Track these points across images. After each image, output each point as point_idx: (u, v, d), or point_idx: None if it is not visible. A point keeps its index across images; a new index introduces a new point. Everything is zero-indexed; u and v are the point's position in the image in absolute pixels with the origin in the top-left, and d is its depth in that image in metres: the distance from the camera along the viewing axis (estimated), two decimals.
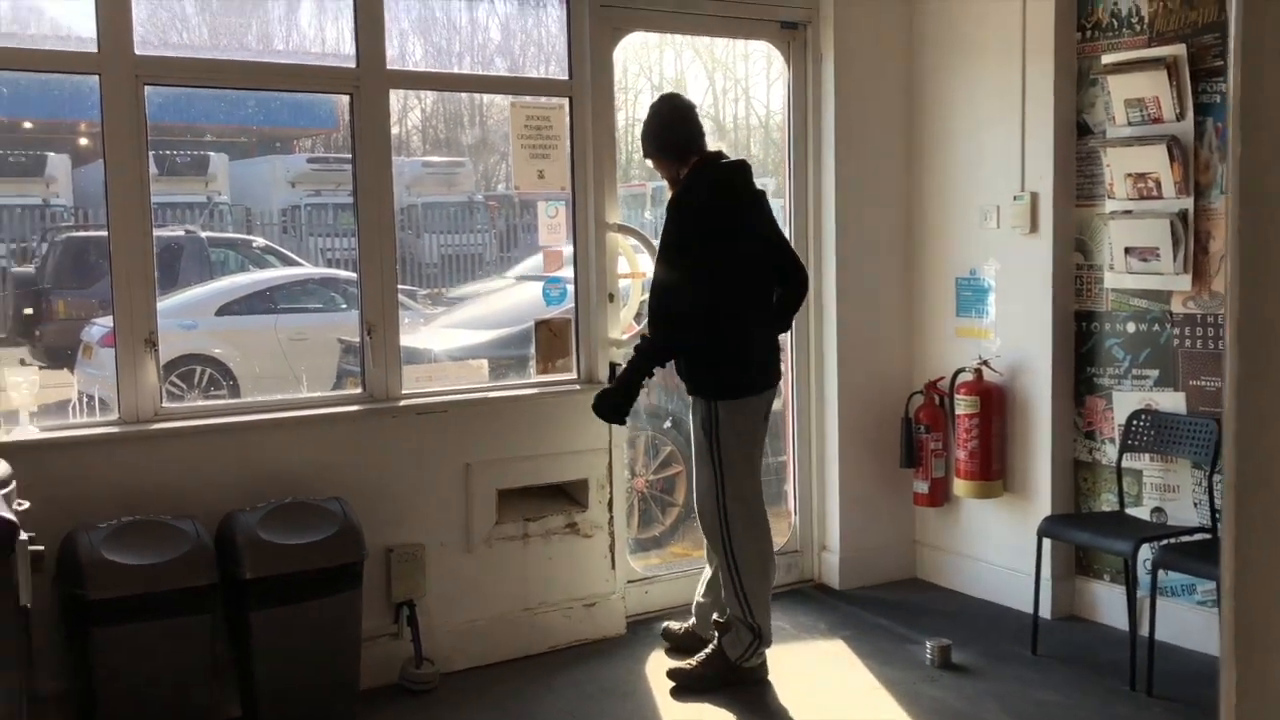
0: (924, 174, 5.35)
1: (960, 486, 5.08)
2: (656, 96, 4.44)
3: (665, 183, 4.43)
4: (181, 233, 10.67)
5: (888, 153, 5.35)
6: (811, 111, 5.28)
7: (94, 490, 3.78)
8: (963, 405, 5.01)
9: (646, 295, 4.84)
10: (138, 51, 3.84)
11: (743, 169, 4.32)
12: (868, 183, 5.29)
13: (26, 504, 3.15)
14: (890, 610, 5.02)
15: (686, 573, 5.09)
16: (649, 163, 4.44)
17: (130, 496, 3.81)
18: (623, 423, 4.37)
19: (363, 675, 3.99)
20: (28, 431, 3.81)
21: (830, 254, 5.27)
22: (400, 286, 4.74)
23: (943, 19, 5.22)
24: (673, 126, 4.29)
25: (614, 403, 4.21)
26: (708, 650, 4.29)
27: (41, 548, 2.89)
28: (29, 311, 10.38)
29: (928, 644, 4.43)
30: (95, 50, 3.78)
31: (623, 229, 4.83)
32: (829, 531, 5.41)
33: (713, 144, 4.33)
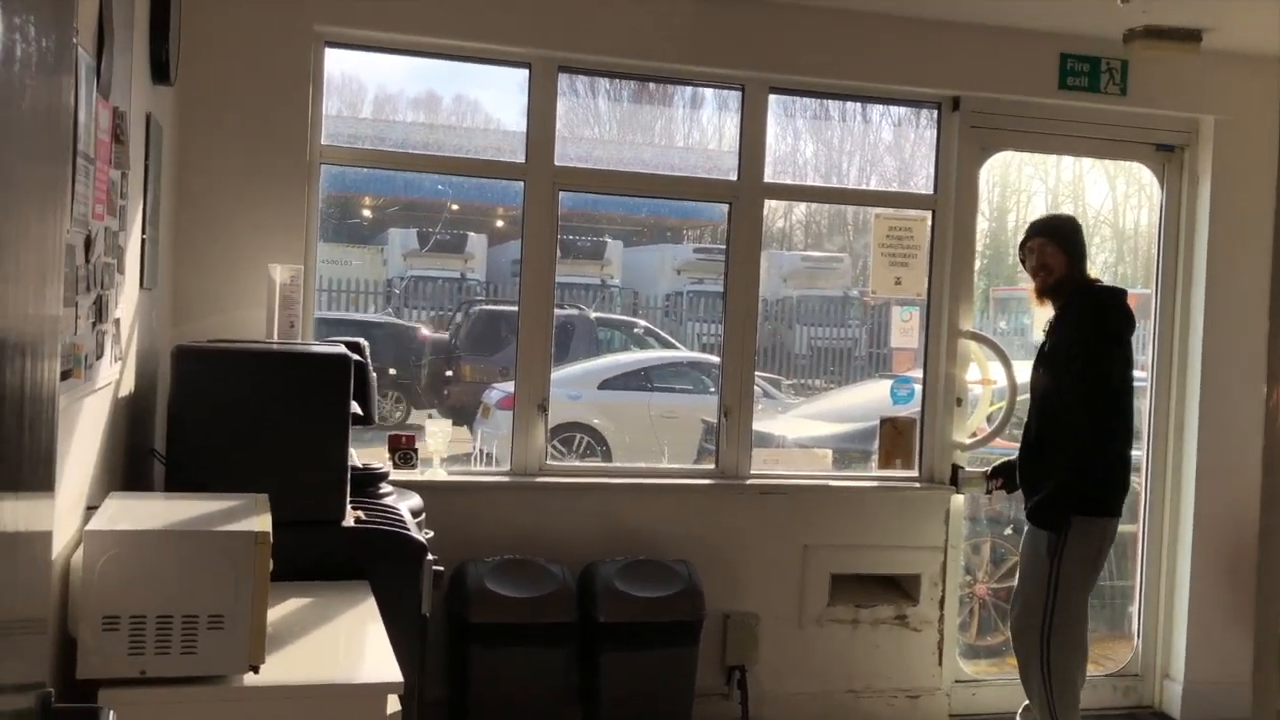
0: None
1: None
2: (1041, 217, 4.51)
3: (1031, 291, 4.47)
4: (575, 312, 11.75)
5: (1262, 282, 5.19)
6: (1184, 236, 5.25)
7: (484, 528, 4.42)
8: None
9: (1003, 401, 5.00)
10: (557, 163, 4.53)
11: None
12: (1239, 310, 5.14)
13: (431, 533, 3.79)
14: None
15: (1016, 681, 5.11)
16: (1036, 247, 4.34)
17: (512, 538, 4.42)
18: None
19: None
20: (438, 473, 4.52)
21: (1195, 378, 5.18)
22: (764, 375, 5.16)
23: None
24: (1080, 240, 4.36)
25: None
26: None
27: (441, 568, 3.49)
28: (449, 374, 11.76)
29: None
30: (524, 161, 4.52)
31: (976, 337, 5.01)
32: (1173, 659, 5.24)
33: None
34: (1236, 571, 5.13)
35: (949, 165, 4.93)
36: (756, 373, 4.88)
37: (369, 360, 3.79)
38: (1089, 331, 4.19)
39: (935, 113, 4.98)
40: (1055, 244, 4.30)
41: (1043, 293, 4.33)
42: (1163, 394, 5.26)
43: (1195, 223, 5.23)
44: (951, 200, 4.92)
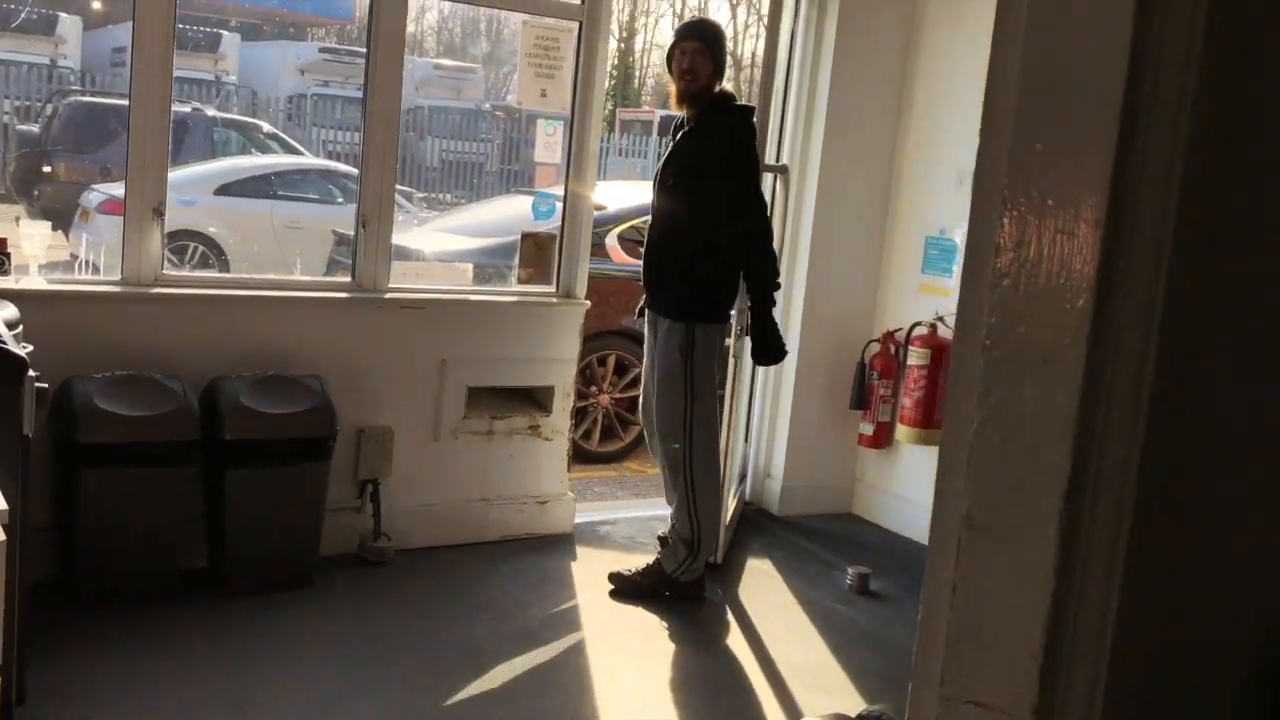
0: (909, 134, 5.59)
1: (903, 432, 5.40)
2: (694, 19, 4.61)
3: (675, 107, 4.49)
4: (189, 109, 10.81)
5: (878, 110, 5.57)
6: (810, 62, 5.49)
7: (92, 343, 4.05)
8: (915, 357, 5.31)
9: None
10: None
11: None
12: (854, 135, 5.51)
13: (30, 347, 3.41)
14: (822, 539, 5.36)
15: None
16: (690, 50, 4.30)
17: (125, 353, 4.08)
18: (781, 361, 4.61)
19: (323, 543, 4.29)
20: (36, 282, 4.06)
21: (810, 200, 5.51)
22: (398, 188, 4.97)
23: None
24: (725, 52, 4.46)
25: (775, 347, 4.45)
26: (648, 562, 4.59)
27: (45, 385, 3.17)
28: (47, 170, 10.53)
29: (849, 570, 4.77)
30: None
31: None
32: (774, 461, 5.72)
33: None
34: (832, 383, 5.63)
35: None
36: None
37: None
38: (734, 148, 4.29)
39: None
40: (709, 51, 4.34)
41: (684, 97, 4.37)
42: (778, 219, 5.55)
43: (820, 51, 5.47)
44: (602, 12, 4.85)
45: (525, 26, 4.79)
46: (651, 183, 4.53)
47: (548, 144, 4.98)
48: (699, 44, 4.33)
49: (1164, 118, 0.74)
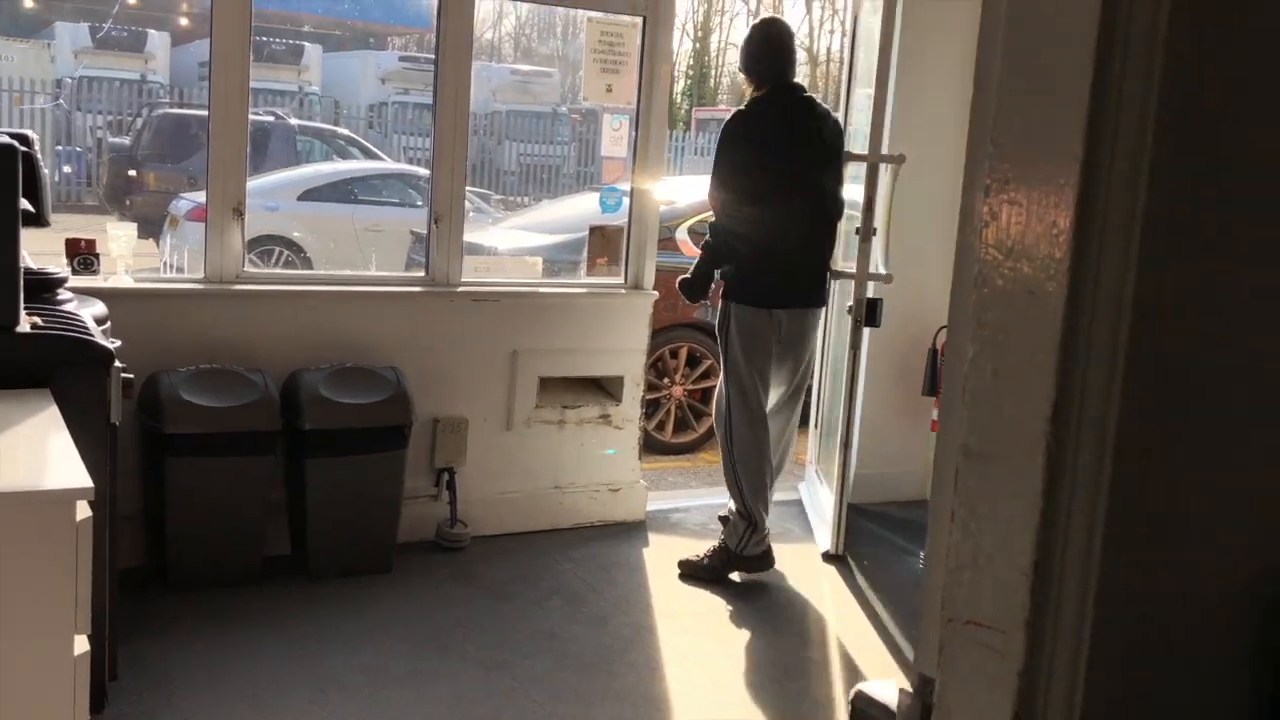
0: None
1: None
2: (757, 20, 4.82)
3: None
4: (271, 118, 11.08)
5: (950, 95, 5.52)
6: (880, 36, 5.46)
7: (177, 338, 4.20)
8: None
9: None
10: None
11: (800, 105, 4.58)
12: (926, 132, 5.46)
13: (118, 342, 3.57)
14: (889, 525, 5.36)
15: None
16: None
17: (209, 347, 4.23)
18: (696, 301, 4.78)
19: (401, 529, 4.41)
20: (123, 280, 4.23)
21: (883, 199, 5.48)
22: (474, 189, 5.07)
23: None
24: (758, 51, 4.56)
25: (690, 288, 4.62)
26: (714, 544, 4.65)
27: (131, 375, 3.31)
28: (136, 177, 10.86)
29: (921, 555, 4.77)
30: None
31: None
32: (849, 450, 5.70)
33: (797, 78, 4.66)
34: (905, 370, 5.61)
35: None
36: (467, 188, 4.79)
37: (38, 154, 3.45)
38: (722, 136, 4.56)
39: None
40: (742, 73, 4.71)
41: None
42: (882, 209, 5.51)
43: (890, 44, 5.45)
44: (663, 6, 4.90)
45: (590, 23, 4.87)
46: None
47: (614, 138, 5.05)
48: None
49: (1133, 87, 0.78)
